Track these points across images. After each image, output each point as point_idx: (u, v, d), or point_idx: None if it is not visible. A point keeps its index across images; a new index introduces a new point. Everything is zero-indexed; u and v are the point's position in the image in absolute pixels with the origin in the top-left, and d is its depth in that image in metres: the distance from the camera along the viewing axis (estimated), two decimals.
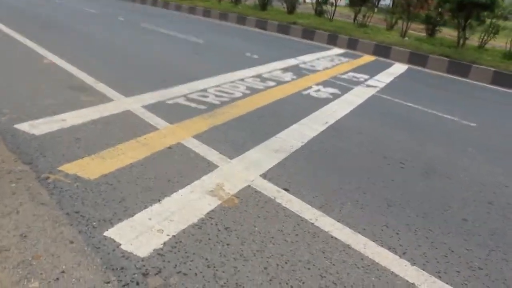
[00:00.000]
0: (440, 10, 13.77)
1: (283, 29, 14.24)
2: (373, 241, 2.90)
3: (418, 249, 2.91)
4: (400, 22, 14.77)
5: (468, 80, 10.07)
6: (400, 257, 2.78)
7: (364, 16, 15.49)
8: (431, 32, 14.42)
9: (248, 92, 6.15)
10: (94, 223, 2.66)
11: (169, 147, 3.94)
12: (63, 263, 2.28)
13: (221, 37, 12.16)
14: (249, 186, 3.41)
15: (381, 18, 16.56)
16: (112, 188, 3.10)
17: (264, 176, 3.62)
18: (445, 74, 10.42)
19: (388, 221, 3.20)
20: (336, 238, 2.87)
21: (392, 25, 15.37)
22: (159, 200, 3.02)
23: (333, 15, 16.52)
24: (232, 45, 10.91)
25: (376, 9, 15.53)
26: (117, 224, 2.68)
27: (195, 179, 3.39)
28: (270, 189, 3.40)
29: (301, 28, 13.86)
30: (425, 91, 8.38)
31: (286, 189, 3.43)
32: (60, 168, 3.28)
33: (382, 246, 2.87)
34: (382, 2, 24.35)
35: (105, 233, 2.58)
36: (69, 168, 3.31)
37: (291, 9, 17.66)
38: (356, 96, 6.70)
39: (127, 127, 4.30)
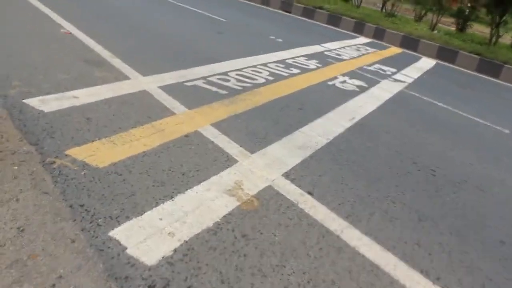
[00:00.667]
0: (473, 4, 13.18)
1: (308, 13, 13.75)
2: (404, 262, 2.62)
3: (453, 274, 2.62)
4: (428, 14, 14.20)
5: (498, 81, 9.63)
6: (434, 283, 2.50)
7: (392, 5, 14.91)
8: (462, 27, 13.84)
9: (271, 78, 5.82)
10: (99, 220, 2.40)
11: (186, 135, 3.66)
12: (61, 266, 2.04)
13: (244, 16, 11.74)
14: (270, 186, 3.12)
15: (409, 9, 15.96)
16: (122, 180, 2.84)
17: (287, 175, 3.33)
18: (474, 73, 9.97)
19: (420, 238, 2.91)
20: (363, 256, 2.59)
21: (421, 17, 14.80)
22: (171, 197, 2.75)
23: (361, 2, 15.95)
24: (256, 26, 10.50)
25: None
26: (125, 223, 2.42)
27: (212, 175, 3.11)
28: (292, 192, 3.11)
29: (327, 13, 13.36)
30: (454, 90, 7.97)
31: (310, 193, 3.14)
32: (67, 152, 3.02)
33: (413, 268, 2.59)
34: None
35: (111, 233, 2.32)
36: (77, 152, 3.05)
37: None
38: (384, 91, 6.34)
39: (142, 109, 4.02)
